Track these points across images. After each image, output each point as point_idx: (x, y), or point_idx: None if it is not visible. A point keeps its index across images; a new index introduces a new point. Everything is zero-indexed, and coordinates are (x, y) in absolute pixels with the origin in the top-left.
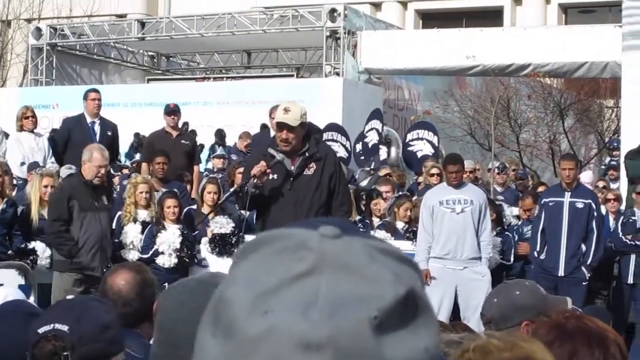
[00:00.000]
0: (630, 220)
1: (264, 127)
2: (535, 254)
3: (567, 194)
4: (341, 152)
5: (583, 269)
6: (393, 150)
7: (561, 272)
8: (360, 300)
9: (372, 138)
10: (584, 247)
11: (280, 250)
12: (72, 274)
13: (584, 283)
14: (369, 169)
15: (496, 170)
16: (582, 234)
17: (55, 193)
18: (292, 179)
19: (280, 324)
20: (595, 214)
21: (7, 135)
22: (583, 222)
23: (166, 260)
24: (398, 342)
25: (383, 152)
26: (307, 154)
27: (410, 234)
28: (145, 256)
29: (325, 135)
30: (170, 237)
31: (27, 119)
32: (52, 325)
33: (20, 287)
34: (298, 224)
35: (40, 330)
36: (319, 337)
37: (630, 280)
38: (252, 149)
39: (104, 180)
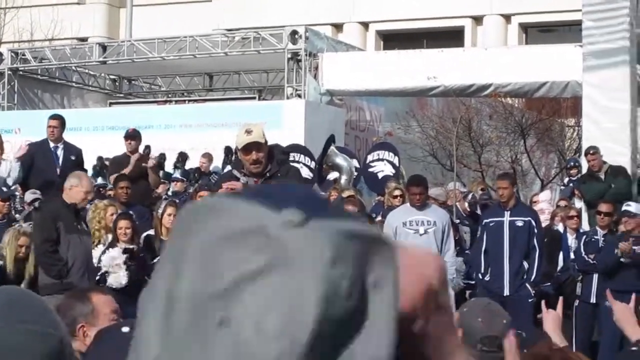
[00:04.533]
0: (593, 240)
1: (227, 150)
2: (480, 275)
3: (507, 213)
4: (304, 173)
5: (527, 285)
6: (343, 178)
7: (506, 292)
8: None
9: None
10: (526, 265)
11: (231, 232)
12: (60, 295)
13: (529, 300)
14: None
15: (462, 196)
16: (524, 252)
17: (38, 217)
18: None
19: (242, 338)
20: (536, 231)
21: None
22: (524, 240)
23: (113, 280)
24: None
25: (331, 177)
26: (268, 174)
27: None
28: (96, 279)
29: None
30: (114, 255)
31: None
32: None
33: None
34: (252, 193)
35: None
36: (269, 357)
37: (593, 299)
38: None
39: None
